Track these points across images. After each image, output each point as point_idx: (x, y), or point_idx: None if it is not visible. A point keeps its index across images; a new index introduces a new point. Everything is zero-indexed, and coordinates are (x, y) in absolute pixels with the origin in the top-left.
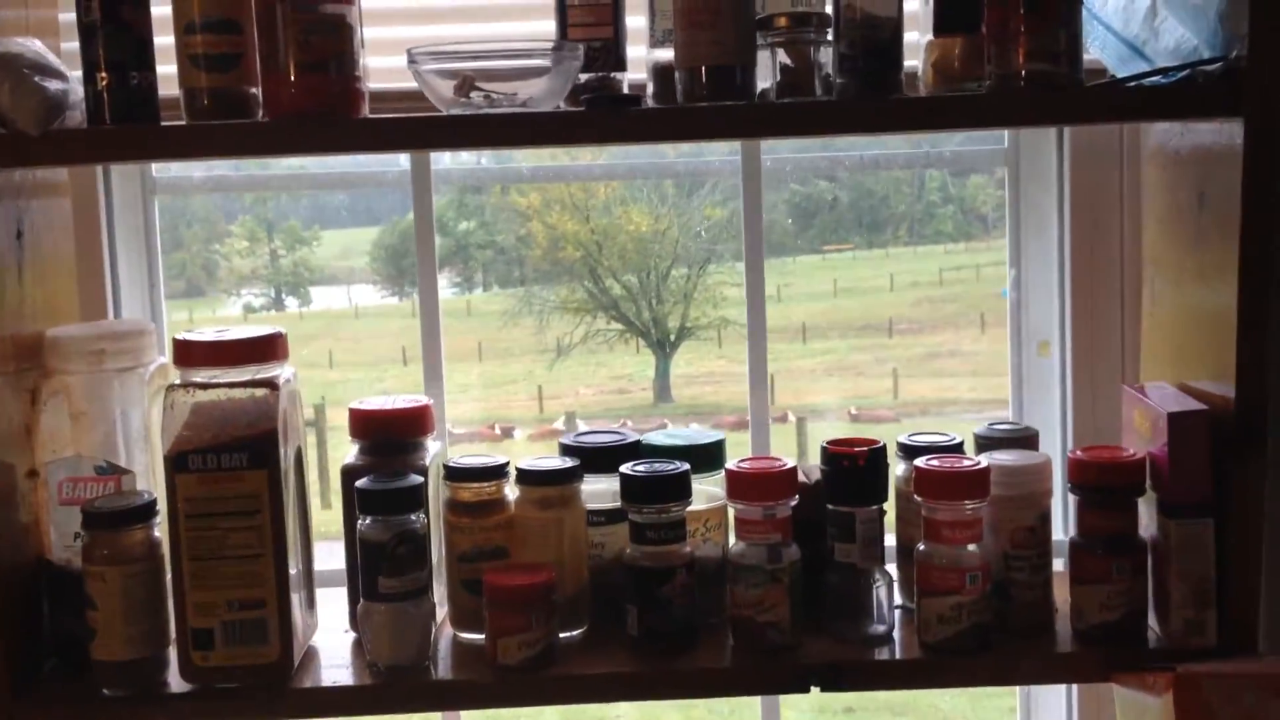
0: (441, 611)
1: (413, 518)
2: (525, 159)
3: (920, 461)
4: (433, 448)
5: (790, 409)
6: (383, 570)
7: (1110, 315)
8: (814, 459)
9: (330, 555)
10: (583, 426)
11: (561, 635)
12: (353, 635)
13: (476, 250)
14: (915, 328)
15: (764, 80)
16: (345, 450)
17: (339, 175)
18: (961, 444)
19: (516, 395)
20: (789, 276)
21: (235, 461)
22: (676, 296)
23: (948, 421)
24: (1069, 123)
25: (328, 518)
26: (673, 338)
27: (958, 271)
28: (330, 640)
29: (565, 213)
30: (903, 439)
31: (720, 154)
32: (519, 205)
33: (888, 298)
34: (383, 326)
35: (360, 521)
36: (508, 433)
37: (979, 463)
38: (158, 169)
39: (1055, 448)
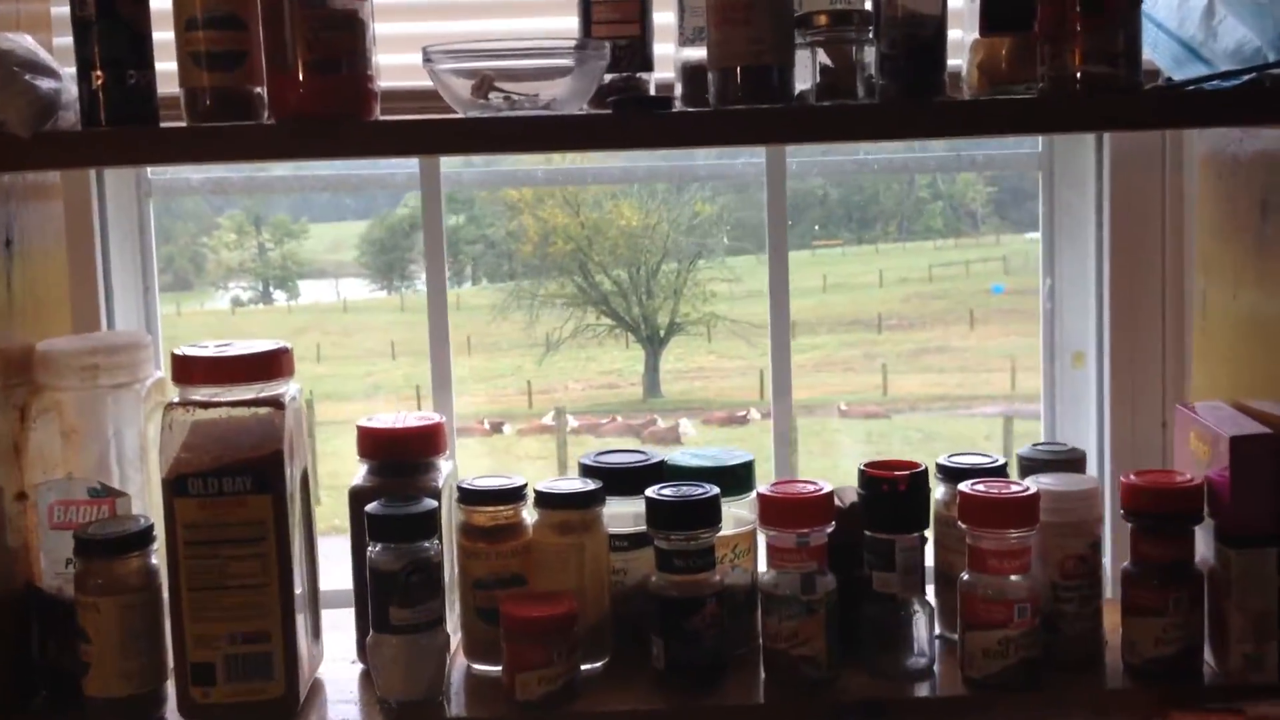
0: (454, 640)
1: (426, 545)
2: (535, 161)
3: (965, 486)
4: (445, 468)
5: None
6: (394, 600)
7: (1151, 327)
8: (805, 456)
9: (321, 555)
10: (573, 423)
11: (582, 667)
12: (360, 666)
13: (466, 245)
14: (904, 324)
15: (801, 81)
16: (333, 445)
17: (342, 177)
18: (1005, 466)
19: (505, 390)
20: None
21: (238, 486)
22: (666, 292)
23: (936, 418)
24: (1129, 128)
25: (318, 513)
26: (662, 333)
27: (947, 268)
28: (336, 672)
29: (556, 207)
30: (943, 460)
31: (744, 156)
32: (510, 198)
33: (877, 294)
34: (371, 320)
35: (370, 549)
36: (497, 428)
37: (1027, 488)
38: (153, 171)
39: (1090, 466)
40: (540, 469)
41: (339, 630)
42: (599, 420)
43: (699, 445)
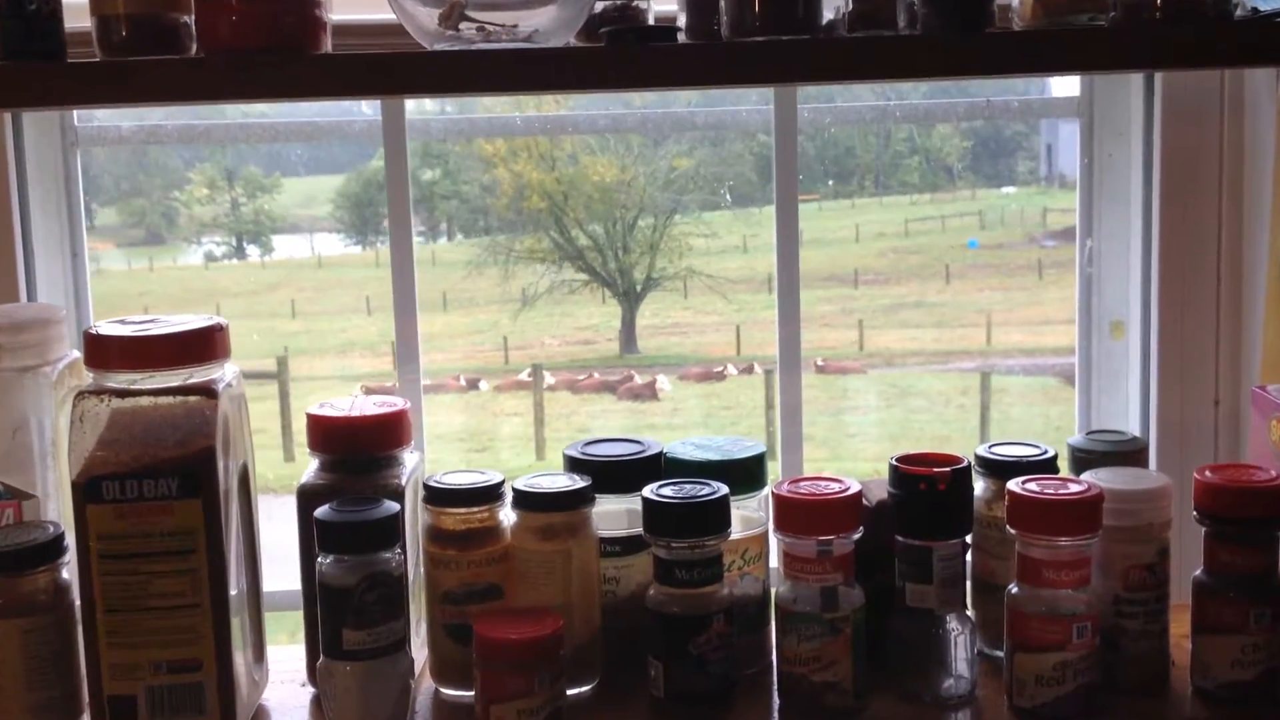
0: (420, 658)
1: (386, 555)
2: (513, 106)
3: (1014, 485)
4: (410, 461)
5: (756, 360)
6: (347, 621)
7: (1204, 294)
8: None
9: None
10: (550, 379)
11: (568, 692)
12: (312, 690)
13: (441, 200)
14: (881, 279)
15: (828, 9)
16: (305, 402)
17: (296, 125)
18: (1055, 458)
19: (482, 346)
20: (755, 227)
21: (162, 489)
22: (643, 247)
23: (913, 374)
24: (1219, 65)
25: (290, 472)
26: (639, 288)
27: (923, 223)
28: (283, 697)
29: (530, 162)
30: (983, 451)
31: (748, 102)
32: (484, 153)
33: (853, 249)
34: (346, 276)
35: (320, 560)
36: (473, 384)
37: (1089, 488)
38: (80, 117)
39: None
40: (517, 425)
41: (285, 631)
42: (576, 376)
43: (677, 403)
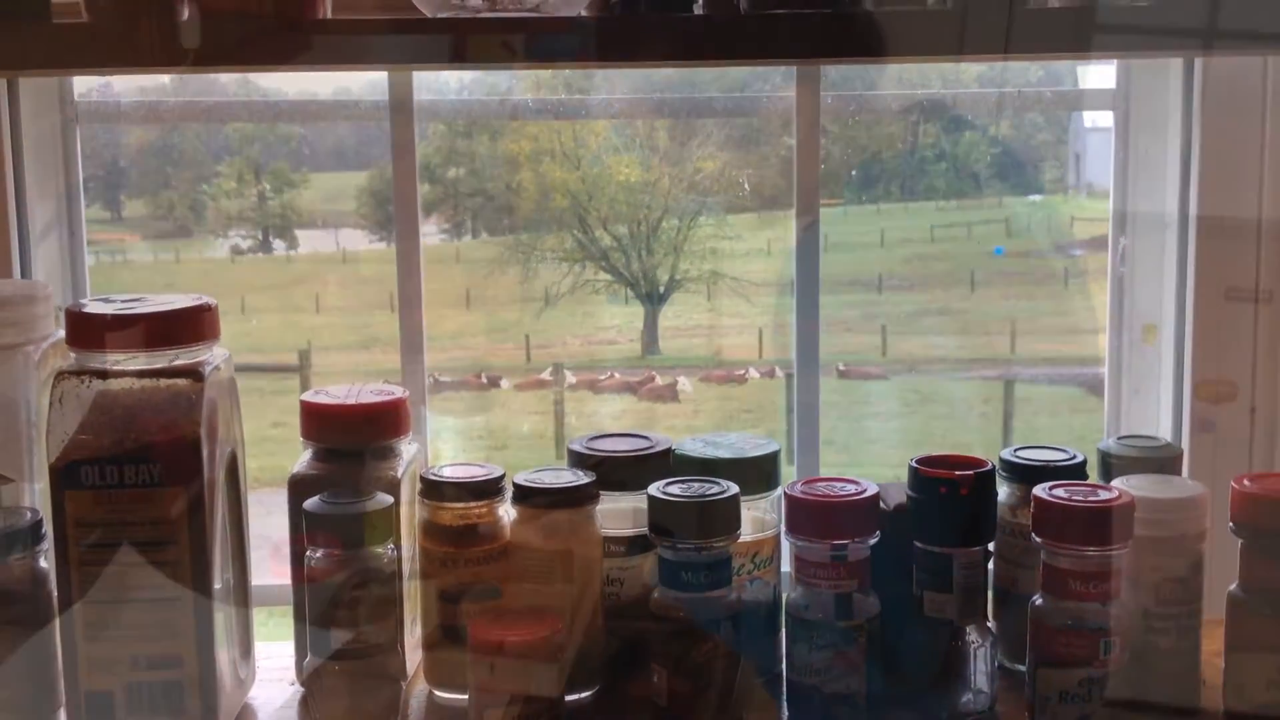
0: (414, 660)
1: (378, 551)
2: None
3: (1041, 490)
4: (406, 453)
5: (779, 364)
6: (336, 620)
7: (1241, 298)
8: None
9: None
10: (571, 379)
11: (567, 698)
12: (301, 689)
13: (466, 198)
14: (905, 284)
15: None
16: None
17: (300, 104)
18: (1084, 463)
19: (504, 344)
20: (779, 230)
21: (144, 475)
22: (666, 248)
23: (935, 380)
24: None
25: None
26: (662, 289)
27: (949, 229)
28: (271, 695)
29: (555, 161)
30: (1008, 454)
31: (766, 88)
32: (509, 152)
33: (878, 254)
34: (370, 271)
35: (310, 554)
36: (494, 382)
37: (1119, 495)
38: (79, 91)
39: None
40: (537, 423)
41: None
42: (597, 376)
43: (698, 405)
